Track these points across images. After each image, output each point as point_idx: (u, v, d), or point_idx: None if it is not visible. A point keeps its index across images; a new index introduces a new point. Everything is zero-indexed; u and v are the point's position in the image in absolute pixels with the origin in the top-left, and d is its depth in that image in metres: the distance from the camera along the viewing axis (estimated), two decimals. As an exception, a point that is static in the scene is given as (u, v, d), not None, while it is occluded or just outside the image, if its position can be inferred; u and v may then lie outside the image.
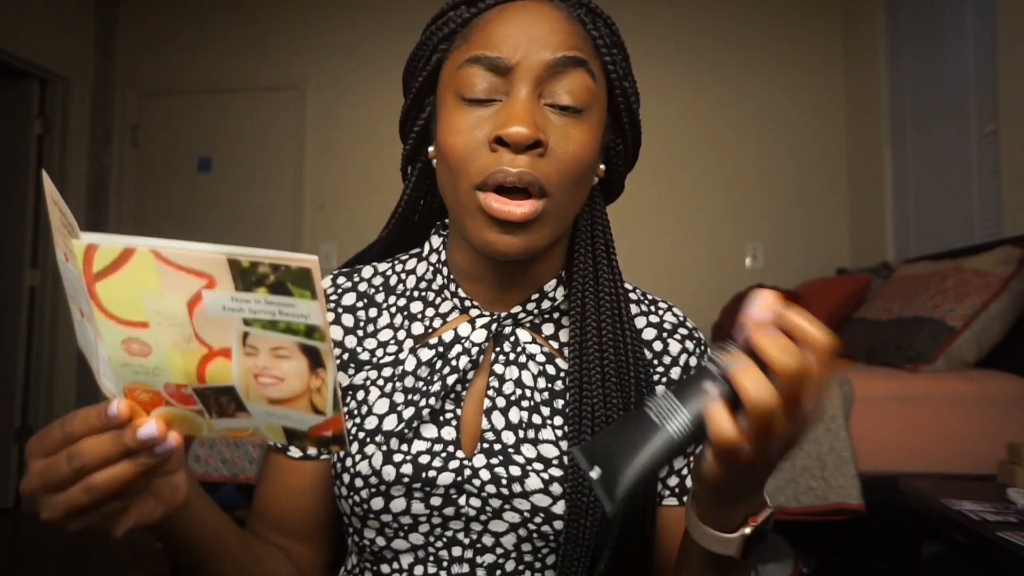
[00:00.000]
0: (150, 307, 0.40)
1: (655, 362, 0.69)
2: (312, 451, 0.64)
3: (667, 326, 0.70)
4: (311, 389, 0.42)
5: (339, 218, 3.80)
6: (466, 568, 0.62)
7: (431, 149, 0.67)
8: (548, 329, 0.69)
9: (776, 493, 1.80)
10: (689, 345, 0.70)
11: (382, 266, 0.73)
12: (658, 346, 0.69)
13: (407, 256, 0.74)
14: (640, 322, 0.70)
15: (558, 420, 0.64)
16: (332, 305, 0.70)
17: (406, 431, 0.63)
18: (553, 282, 0.67)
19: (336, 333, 0.69)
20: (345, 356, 0.68)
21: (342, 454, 0.64)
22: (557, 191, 0.59)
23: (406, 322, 0.69)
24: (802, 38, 3.63)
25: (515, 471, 0.61)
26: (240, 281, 0.38)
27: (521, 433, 0.63)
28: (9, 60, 3.39)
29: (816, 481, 1.78)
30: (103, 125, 3.93)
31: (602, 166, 0.67)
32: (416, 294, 0.70)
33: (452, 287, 0.68)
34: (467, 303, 0.67)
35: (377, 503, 0.62)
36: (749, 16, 3.64)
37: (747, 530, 0.50)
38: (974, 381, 1.89)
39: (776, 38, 3.63)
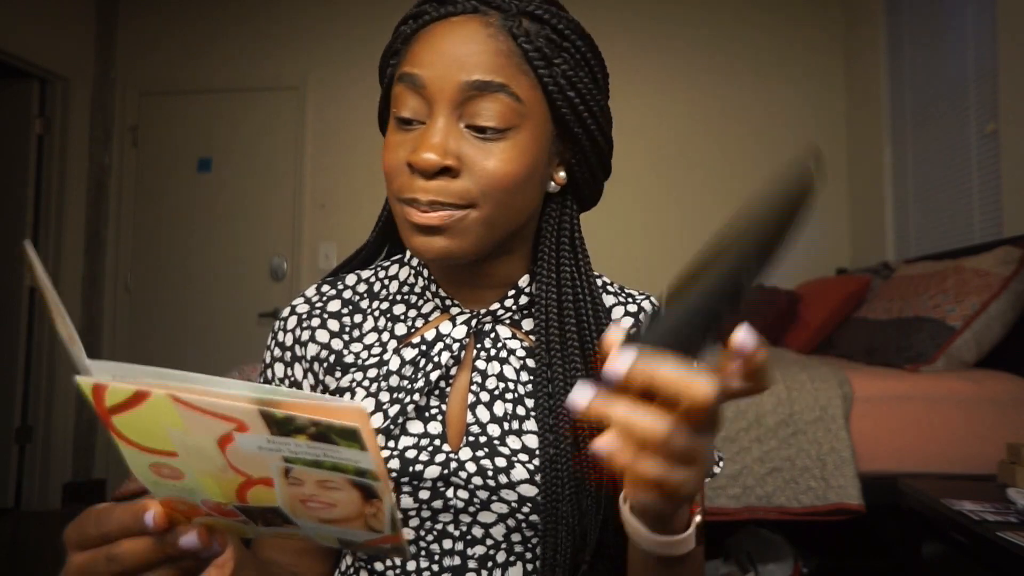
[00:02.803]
0: (176, 440, 0.37)
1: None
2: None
3: (643, 316, 0.73)
4: (366, 514, 0.39)
5: (339, 218, 3.80)
6: (457, 560, 0.63)
7: None
8: (528, 324, 0.70)
9: (776, 493, 1.80)
10: None
11: (365, 273, 0.75)
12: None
13: (389, 263, 0.76)
14: (618, 312, 0.73)
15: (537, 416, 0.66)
16: (318, 311, 0.71)
17: (392, 427, 0.64)
18: (526, 277, 0.69)
19: (322, 336, 0.70)
20: (332, 359, 0.69)
21: None
22: (482, 202, 0.61)
23: (390, 324, 0.71)
24: (802, 37, 3.63)
25: (501, 462, 0.62)
26: (276, 428, 0.34)
27: (506, 425, 0.65)
28: (9, 60, 3.39)
29: (816, 481, 1.78)
30: (103, 125, 3.92)
31: (562, 174, 0.68)
32: (399, 297, 0.72)
33: (433, 288, 0.69)
34: (448, 302, 0.69)
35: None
36: (749, 15, 3.64)
37: (697, 519, 0.50)
38: (974, 381, 1.89)
39: (776, 37, 3.63)
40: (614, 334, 0.40)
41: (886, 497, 1.70)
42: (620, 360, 0.38)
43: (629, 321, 0.72)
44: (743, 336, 0.38)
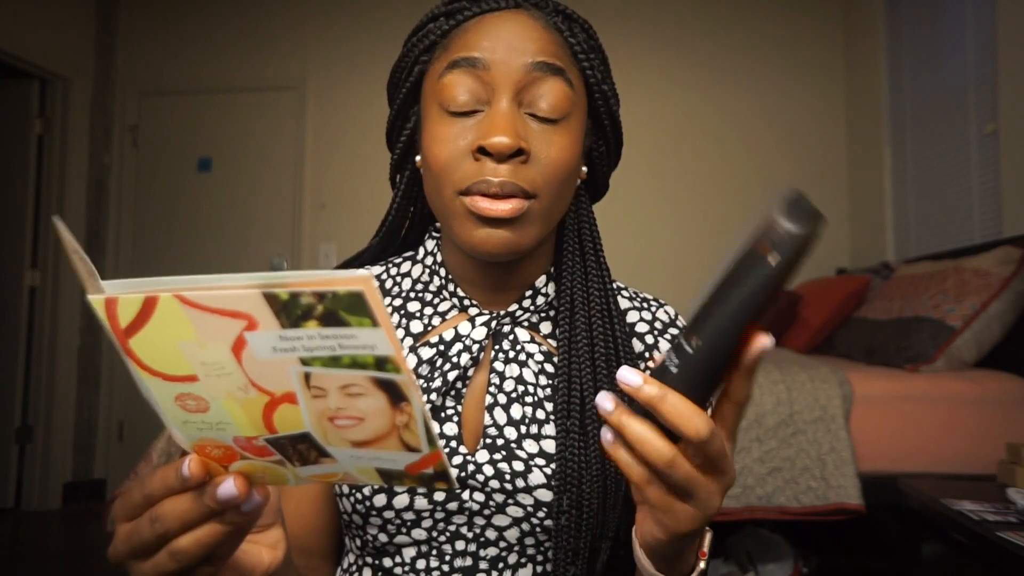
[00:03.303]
0: (192, 357, 0.35)
1: (646, 355, 0.70)
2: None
3: (659, 324, 0.72)
4: (398, 426, 0.36)
5: (339, 218, 3.80)
6: (469, 561, 0.63)
7: (418, 158, 0.68)
8: (546, 328, 0.70)
9: (776, 493, 1.80)
10: None
11: (376, 269, 0.74)
12: (650, 339, 0.71)
13: (400, 259, 0.74)
14: (632, 316, 0.72)
15: (557, 418, 0.65)
16: None
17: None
18: (543, 278, 0.69)
19: None
20: None
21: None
22: (543, 193, 0.61)
23: (404, 320, 0.70)
24: (802, 38, 3.63)
25: (518, 466, 0.62)
26: (284, 317, 0.32)
27: (523, 429, 0.64)
28: (9, 60, 3.39)
29: (816, 481, 1.78)
30: (103, 125, 3.93)
31: (584, 168, 0.68)
32: (413, 295, 0.71)
33: (451, 287, 0.69)
34: (466, 302, 0.68)
35: (379, 499, 0.62)
36: (750, 16, 3.64)
37: (701, 564, 0.51)
38: (974, 381, 1.89)
39: (776, 38, 3.63)
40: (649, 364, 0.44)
41: (886, 497, 1.70)
42: (632, 377, 0.42)
43: (645, 327, 0.71)
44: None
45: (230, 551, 0.42)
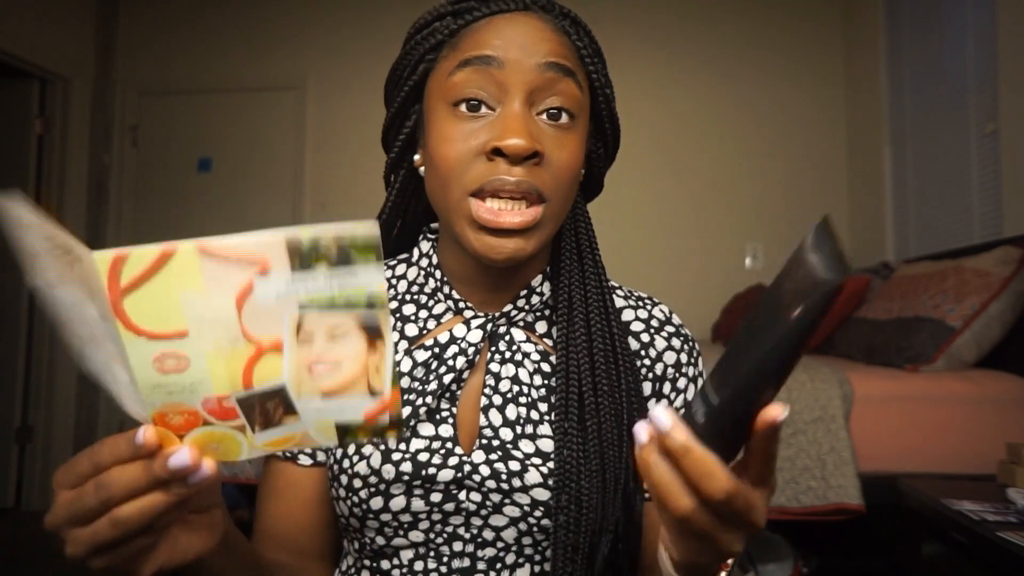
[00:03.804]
0: (190, 310, 0.37)
1: (642, 353, 0.70)
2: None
3: (654, 323, 0.72)
4: (368, 369, 0.40)
5: (339, 218, 3.70)
6: (467, 562, 0.63)
7: (416, 157, 0.68)
8: (541, 327, 0.70)
9: (776, 493, 1.80)
10: (676, 343, 0.71)
11: None
12: (645, 338, 0.71)
13: (395, 261, 0.74)
14: (628, 315, 0.72)
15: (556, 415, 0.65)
16: None
17: (404, 430, 0.63)
18: (539, 277, 0.69)
19: None
20: None
21: (339, 454, 0.64)
22: (554, 197, 0.61)
23: (399, 323, 0.70)
24: (802, 38, 3.63)
25: (514, 466, 0.62)
26: (298, 260, 0.36)
27: (519, 429, 0.64)
28: (9, 60, 3.39)
29: (816, 481, 1.78)
30: (103, 125, 3.93)
31: (583, 169, 0.69)
32: (408, 297, 0.71)
33: (446, 289, 0.69)
34: (461, 304, 0.68)
35: (376, 502, 0.62)
36: (749, 16, 3.64)
37: (722, 575, 0.50)
38: (974, 381, 1.89)
39: (776, 38, 3.63)
40: (666, 413, 0.43)
41: (886, 497, 1.70)
42: (663, 419, 0.42)
43: (640, 326, 0.71)
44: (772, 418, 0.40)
45: (169, 523, 0.42)
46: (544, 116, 0.61)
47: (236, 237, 0.36)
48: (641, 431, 0.43)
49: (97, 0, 3.91)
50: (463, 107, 0.60)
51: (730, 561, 0.49)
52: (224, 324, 0.37)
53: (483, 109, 0.60)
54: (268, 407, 0.41)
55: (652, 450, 0.42)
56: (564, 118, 0.61)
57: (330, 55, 3.87)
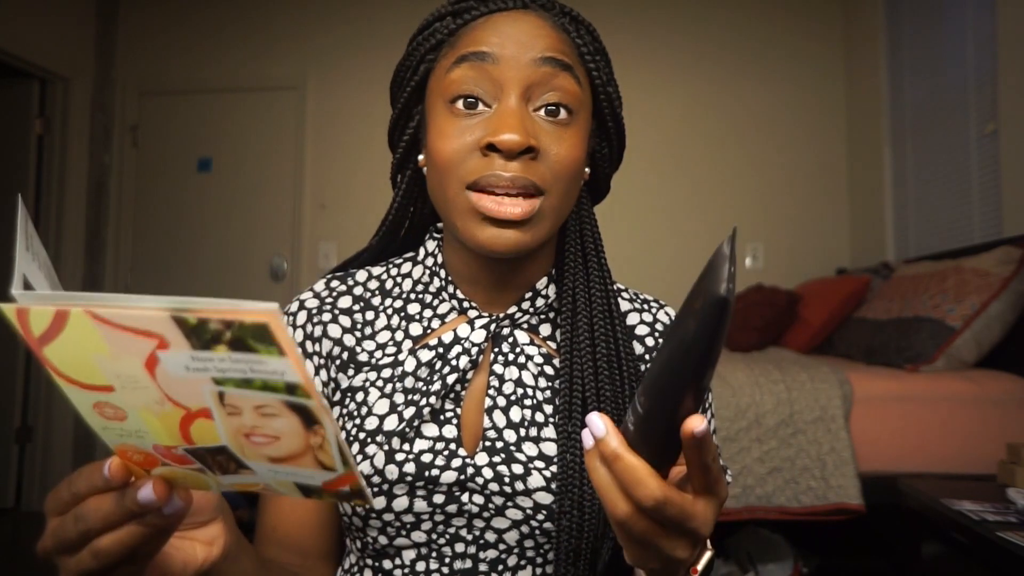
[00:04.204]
0: (107, 369, 0.35)
1: (646, 356, 0.70)
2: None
3: (659, 326, 0.72)
4: (312, 446, 0.37)
5: (339, 218, 3.80)
6: (469, 564, 0.63)
7: (420, 157, 0.68)
8: (545, 330, 0.70)
9: (776, 493, 1.80)
10: None
11: (376, 270, 0.74)
12: (650, 342, 0.71)
13: (401, 260, 0.74)
14: (633, 318, 0.72)
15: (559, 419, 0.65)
16: (328, 307, 0.69)
17: (407, 430, 0.63)
18: (544, 279, 0.69)
19: (334, 331, 0.68)
20: (345, 356, 0.68)
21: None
22: (553, 190, 0.61)
23: (404, 323, 0.69)
24: (802, 38, 3.63)
25: (517, 469, 0.62)
26: (195, 339, 0.32)
27: (523, 431, 0.64)
28: (9, 60, 3.39)
29: (816, 481, 1.78)
30: (103, 125, 3.92)
31: (587, 169, 0.69)
32: (413, 296, 0.71)
33: (450, 289, 0.69)
34: (465, 304, 0.68)
35: (379, 502, 0.62)
36: (750, 16, 3.64)
37: None
38: (974, 381, 1.89)
39: (776, 38, 3.63)
40: (601, 421, 0.44)
41: (886, 497, 1.70)
42: (598, 425, 0.43)
43: (645, 329, 0.71)
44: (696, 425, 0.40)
45: (153, 551, 0.42)
46: (542, 112, 0.61)
47: (123, 305, 0.32)
48: (587, 436, 0.44)
49: (97, 0, 3.91)
50: (460, 103, 0.61)
51: (700, 567, 0.48)
52: (143, 388, 0.35)
53: (480, 106, 0.61)
54: (219, 460, 0.39)
55: (594, 455, 0.43)
56: (562, 114, 0.61)
57: (330, 55, 3.87)
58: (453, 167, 0.60)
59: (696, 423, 0.39)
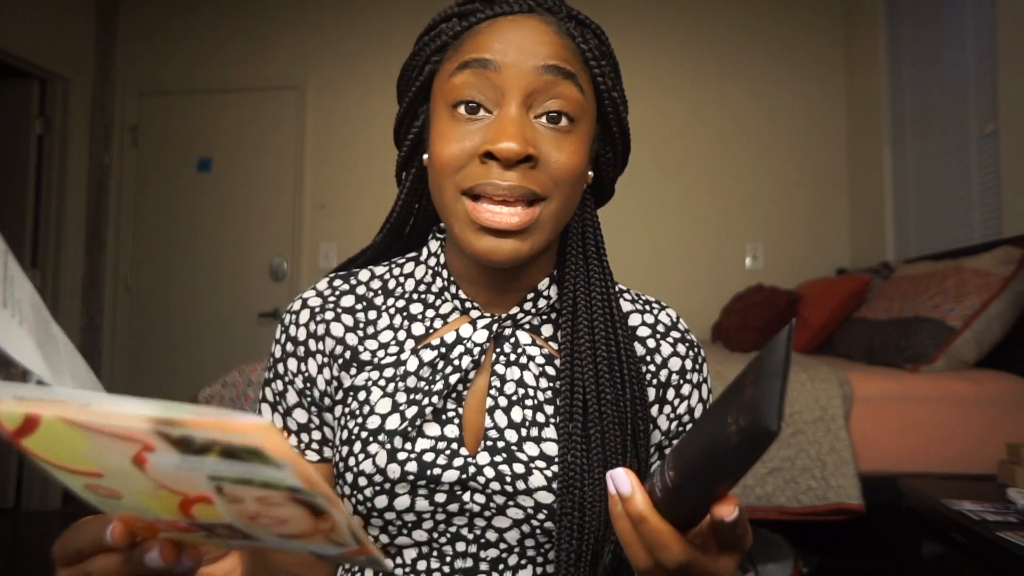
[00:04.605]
0: (94, 459, 0.32)
1: (647, 358, 0.70)
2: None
3: (660, 328, 0.72)
4: (322, 529, 0.35)
5: (339, 218, 3.80)
6: (469, 563, 0.63)
7: (425, 156, 0.68)
8: (547, 330, 0.70)
9: (776, 493, 1.80)
10: (681, 349, 0.71)
11: (379, 269, 0.74)
12: (651, 343, 0.71)
13: (404, 260, 0.74)
14: (635, 319, 0.72)
15: (560, 420, 0.65)
16: (331, 305, 0.70)
17: (409, 429, 0.63)
18: (546, 281, 0.69)
19: (337, 330, 0.69)
20: (347, 354, 0.68)
21: (344, 451, 0.64)
22: (553, 196, 0.61)
23: (406, 323, 0.70)
24: (802, 38, 3.63)
25: (519, 468, 0.62)
26: (183, 447, 0.30)
27: (524, 431, 0.64)
28: (9, 60, 3.39)
29: (816, 481, 1.78)
30: (103, 125, 3.93)
31: (591, 173, 0.68)
32: (416, 296, 0.71)
33: (453, 289, 0.69)
34: (468, 304, 0.68)
35: (381, 501, 0.62)
36: (750, 16, 3.64)
37: None
38: (974, 381, 1.89)
39: (777, 38, 3.63)
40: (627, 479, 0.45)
41: (886, 497, 1.70)
42: (623, 484, 0.44)
43: (647, 331, 0.71)
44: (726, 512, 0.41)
45: None
46: (543, 119, 0.61)
47: (100, 411, 0.30)
48: (611, 483, 0.45)
49: (97, 0, 3.91)
50: (462, 109, 0.61)
51: None
52: (135, 479, 0.33)
53: (481, 112, 0.61)
54: (226, 532, 0.37)
55: (618, 503, 0.45)
56: (563, 121, 0.61)
57: (330, 55, 3.87)
58: (451, 172, 0.61)
59: (727, 511, 0.40)
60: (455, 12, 0.65)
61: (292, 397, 0.69)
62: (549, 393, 0.66)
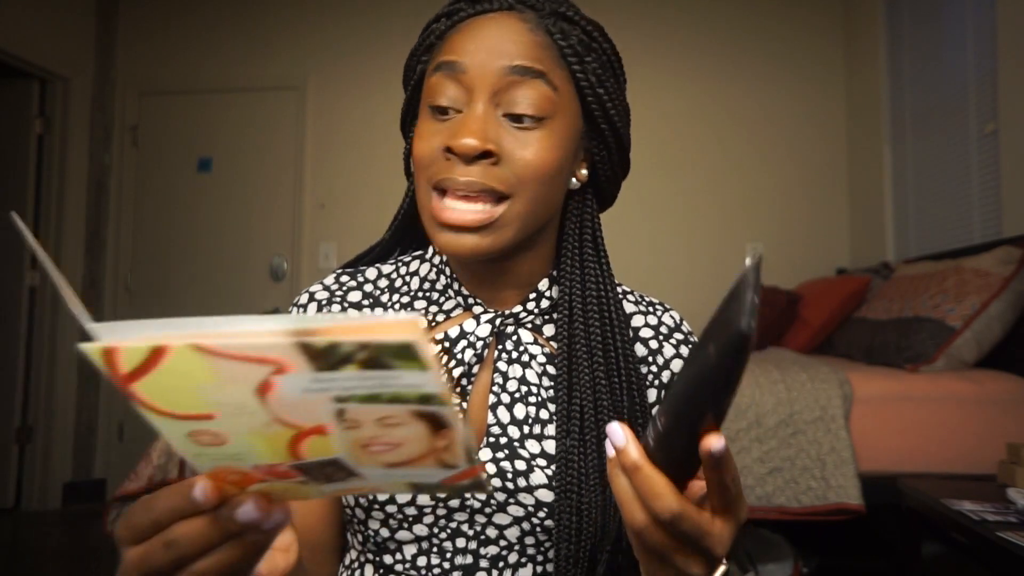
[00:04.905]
0: (208, 398, 0.32)
1: (649, 359, 0.70)
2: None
3: (664, 329, 0.72)
4: (437, 448, 0.35)
5: (339, 218, 3.80)
6: (469, 559, 0.63)
7: None
8: (549, 330, 0.70)
9: (776, 493, 1.80)
10: (684, 351, 0.71)
11: (386, 268, 0.75)
12: (653, 344, 0.71)
13: (409, 258, 0.75)
14: (638, 320, 0.72)
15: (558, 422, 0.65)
16: (338, 299, 0.71)
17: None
18: (546, 281, 0.69)
19: None
20: None
21: None
22: (518, 194, 0.61)
23: None
24: (803, 38, 3.63)
25: (520, 465, 0.62)
26: (321, 362, 0.30)
27: (526, 429, 0.64)
28: (9, 60, 3.39)
29: (816, 481, 1.78)
30: (103, 125, 3.93)
31: (584, 171, 0.68)
32: (420, 294, 0.72)
33: (456, 285, 0.69)
34: (471, 300, 0.69)
35: (381, 494, 0.62)
36: (750, 16, 3.64)
37: None
38: (974, 381, 1.89)
39: (777, 38, 3.63)
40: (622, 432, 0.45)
41: (886, 497, 1.70)
42: (618, 435, 0.44)
43: (649, 332, 0.71)
44: (714, 444, 0.41)
45: (249, 569, 0.40)
46: (509, 116, 0.62)
47: (235, 332, 0.30)
48: (611, 445, 0.45)
49: (97, 0, 3.91)
50: (437, 108, 0.63)
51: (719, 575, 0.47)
52: (251, 412, 0.33)
53: (451, 112, 0.62)
54: (328, 471, 0.37)
55: (615, 463, 0.45)
56: (527, 121, 0.62)
57: (330, 55, 3.87)
58: (423, 168, 0.63)
59: (714, 442, 0.40)
60: (444, 11, 0.66)
61: None
62: (551, 392, 0.66)
